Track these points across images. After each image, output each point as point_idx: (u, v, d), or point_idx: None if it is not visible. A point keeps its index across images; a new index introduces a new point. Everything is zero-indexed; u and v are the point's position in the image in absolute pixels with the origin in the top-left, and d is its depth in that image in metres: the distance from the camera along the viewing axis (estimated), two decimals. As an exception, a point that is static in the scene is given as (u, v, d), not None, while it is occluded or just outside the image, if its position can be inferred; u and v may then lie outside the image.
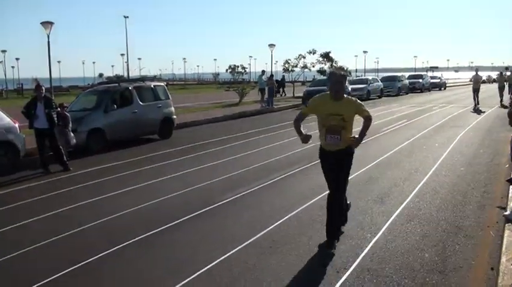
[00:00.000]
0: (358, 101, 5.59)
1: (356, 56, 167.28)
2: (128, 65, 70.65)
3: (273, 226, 6.36)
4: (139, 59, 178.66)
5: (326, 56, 44.14)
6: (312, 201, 7.44)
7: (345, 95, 5.48)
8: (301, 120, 5.68)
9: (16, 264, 5.53)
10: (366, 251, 5.39)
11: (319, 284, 4.61)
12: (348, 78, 30.74)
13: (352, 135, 5.50)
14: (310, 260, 5.13)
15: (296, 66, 41.96)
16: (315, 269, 4.96)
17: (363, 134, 5.47)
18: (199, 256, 5.46)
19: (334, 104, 5.40)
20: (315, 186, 8.06)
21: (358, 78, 42.56)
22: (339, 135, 5.38)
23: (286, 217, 6.70)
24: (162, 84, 17.39)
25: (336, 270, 4.89)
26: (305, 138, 5.55)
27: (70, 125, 12.10)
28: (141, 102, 15.25)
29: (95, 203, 7.97)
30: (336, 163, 5.52)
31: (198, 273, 4.97)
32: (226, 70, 49.69)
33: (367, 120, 5.55)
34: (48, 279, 5.00)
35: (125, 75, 72.40)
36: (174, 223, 6.69)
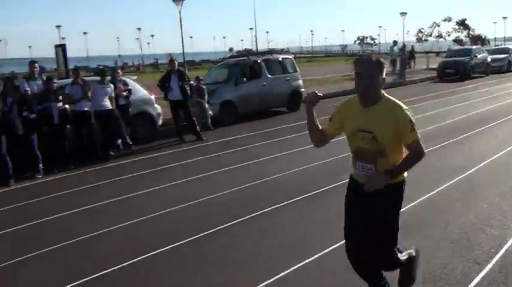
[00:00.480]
0: (407, 111, 3.17)
1: (495, 22, 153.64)
2: (256, 38, 71.95)
3: (407, 207, 6.05)
4: (267, 32, 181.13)
5: (462, 24, 41.22)
6: (452, 181, 6.97)
7: (384, 96, 3.26)
8: (322, 139, 3.84)
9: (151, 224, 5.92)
10: (510, 242, 4.88)
11: (457, 276, 4.25)
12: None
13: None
14: (447, 249, 4.77)
15: (430, 35, 39.73)
16: (451, 258, 4.59)
17: (400, 167, 3.25)
18: (328, 229, 5.37)
19: (363, 113, 3.29)
20: (464, 159, 7.53)
21: (497, 47, 38.91)
22: (373, 166, 3.28)
23: (421, 199, 6.26)
24: (290, 57, 17.38)
25: (476, 262, 4.48)
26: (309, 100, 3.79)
27: (206, 97, 12.64)
28: (269, 75, 15.41)
29: (227, 172, 8.37)
30: (371, 204, 3.33)
31: (326, 249, 4.90)
32: (355, 42, 48.75)
33: (414, 152, 3.21)
34: (190, 238, 5.34)
35: (254, 48, 73.82)
36: (303, 195, 6.74)
